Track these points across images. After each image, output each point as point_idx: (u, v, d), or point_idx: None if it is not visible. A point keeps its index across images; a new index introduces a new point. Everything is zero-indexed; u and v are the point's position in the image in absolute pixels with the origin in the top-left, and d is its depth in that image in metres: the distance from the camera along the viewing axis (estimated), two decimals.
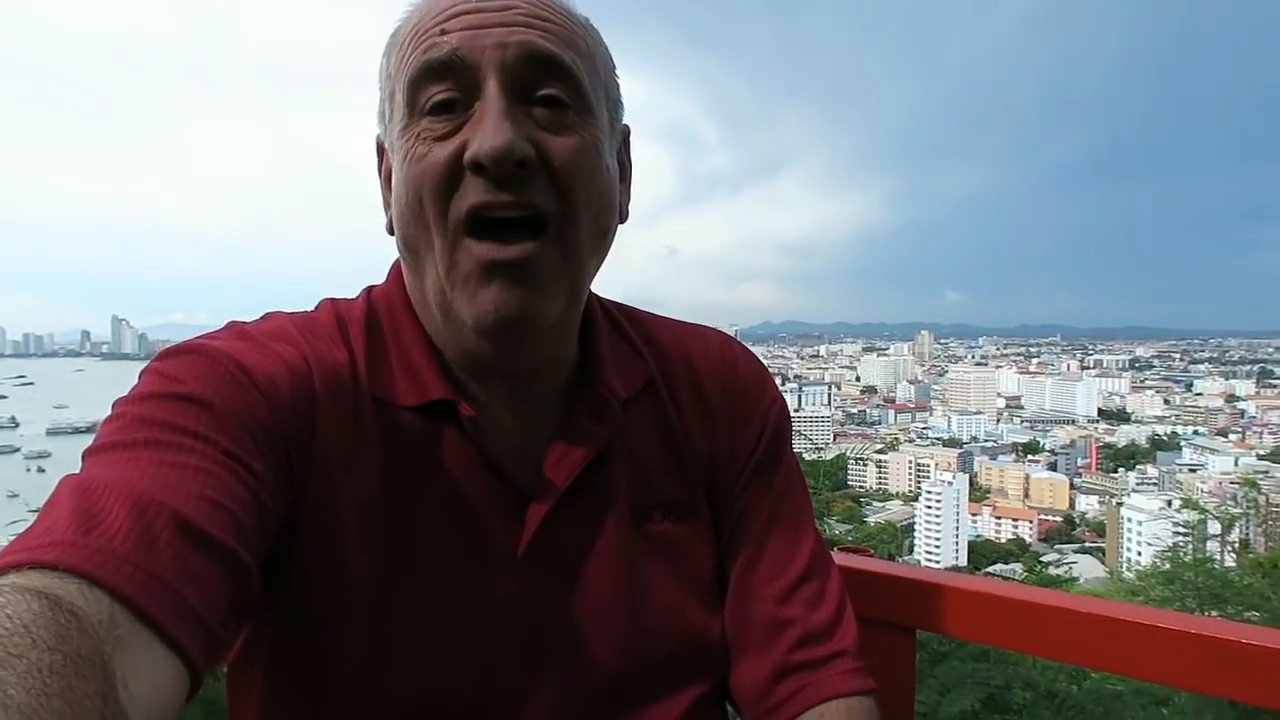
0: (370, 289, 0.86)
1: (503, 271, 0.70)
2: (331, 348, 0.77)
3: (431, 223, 0.72)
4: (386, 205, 0.81)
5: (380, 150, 0.84)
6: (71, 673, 0.42)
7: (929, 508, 77.69)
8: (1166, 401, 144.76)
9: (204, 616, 0.55)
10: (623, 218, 0.82)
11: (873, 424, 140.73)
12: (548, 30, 0.73)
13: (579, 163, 0.73)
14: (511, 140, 0.68)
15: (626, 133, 0.85)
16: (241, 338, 0.73)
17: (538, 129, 0.72)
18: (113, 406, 0.67)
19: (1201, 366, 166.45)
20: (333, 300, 0.85)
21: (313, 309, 0.83)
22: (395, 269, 0.85)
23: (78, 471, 0.61)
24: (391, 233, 0.79)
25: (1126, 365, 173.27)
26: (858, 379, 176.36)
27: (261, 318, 0.80)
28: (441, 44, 0.71)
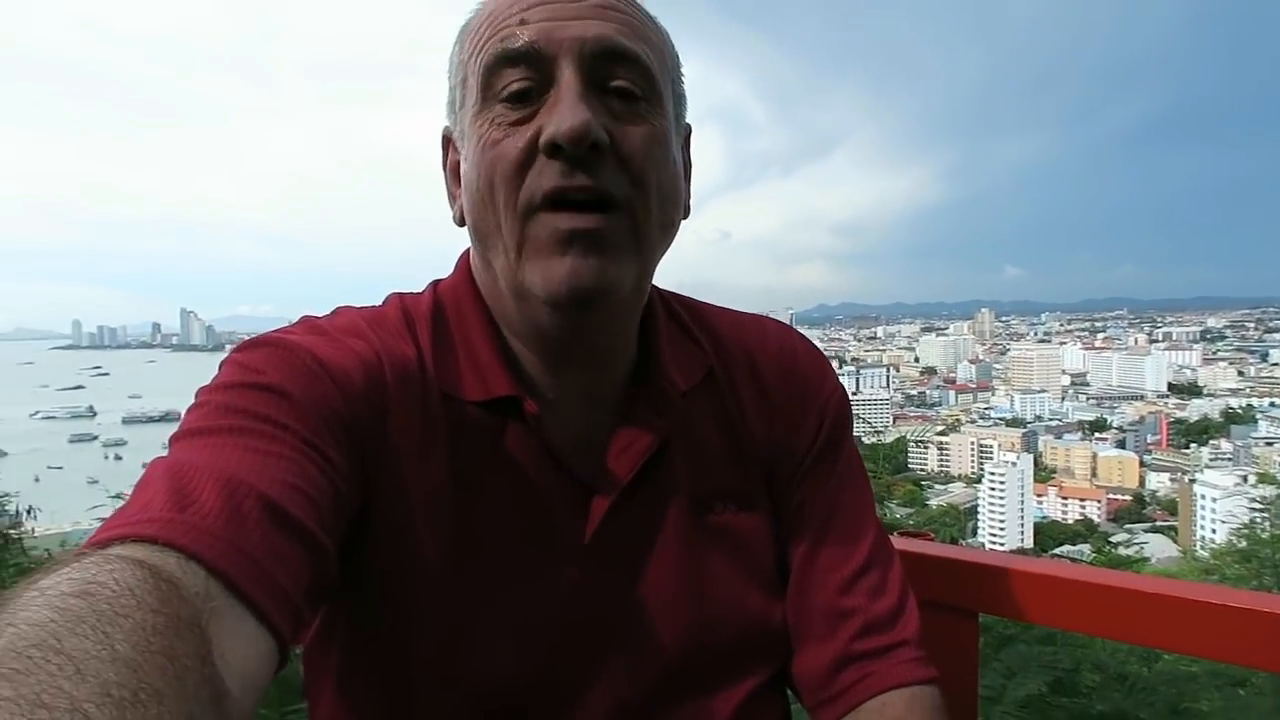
0: (436, 283, 0.87)
1: (579, 238, 0.71)
2: (400, 343, 0.78)
3: (502, 205, 0.73)
4: (452, 197, 0.83)
5: (446, 144, 0.85)
6: (173, 634, 0.44)
7: (992, 489, 76.48)
8: (1241, 373, 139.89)
9: (291, 594, 0.57)
10: (685, 213, 0.83)
11: (933, 405, 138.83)
12: (623, 23, 0.75)
13: (649, 151, 0.74)
14: (589, 121, 0.69)
15: (688, 131, 0.87)
16: (316, 332, 0.76)
17: (610, 118, 0.73)
18: (196, 395, 0.69)
19: (1278, 336, 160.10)
20: (400, 295, 0.86)
21: (381, 304, 0.85)
22: (462, 262, 0.87)
23: (165, 455, 0.63)
24: (460, 224, 0.81)
25: (1197, 337, 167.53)
26: (916, 360, 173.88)
27: (333, 313, 0.82)
28: (519, 34, 0.72)
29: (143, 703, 0.39)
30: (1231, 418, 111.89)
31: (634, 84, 0.74)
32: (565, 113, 0.70)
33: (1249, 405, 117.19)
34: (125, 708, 0.38)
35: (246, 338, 0.77)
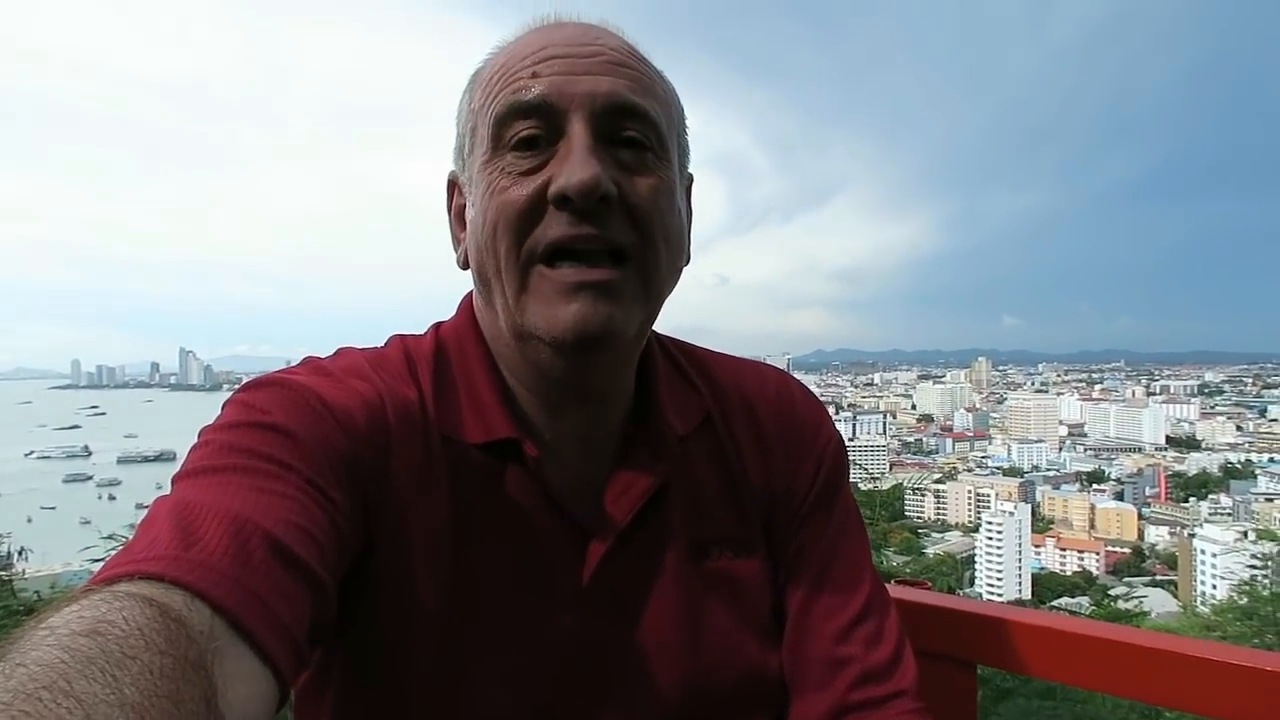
0: (438, 325, 0.87)
1: (589, 289, 0.72)
2: (402, 385, 0.79)
3: (505, 252, 0.73)
4: (456, 240, 0.84)
5: (451, 188, 0.86)
6: (180, 677, 0.44)
7: (990, 539, 75.81)
8: (1239, 428, 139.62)
9: (294, 633, 0.58)
10: (687, 259, 0.84)
11: (930, 453, 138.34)
12: (632, 79, 0.76)
13: (656, 202, 0.75)
14: (599, 174, 0.70)
15: (690, 180, 0.88)
16: (320, 373, 0.76)
17: (618, 170, 0.74)
18: (199, 434, 0.70)
19: (1276, 391, 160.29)
20: (402, 337, 0.86)
21: (383, 345, 0.85)
22: (464, 304, 0.88)
23: (169, 494, 0.64)
24: (464, 267, 0.82)
25: (1195, 391, 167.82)
26: (913, 407, 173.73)
27: (335, 354, 0.83)
28: (532, 86, 0.73)
29: None
30: (1231, 472, 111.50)
31: (642, 136, 0.76)
32: (575, 166, 0.70)
33: (1248, 460, 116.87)
34: None
35: (245, 377, 0.76)
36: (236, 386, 0.74)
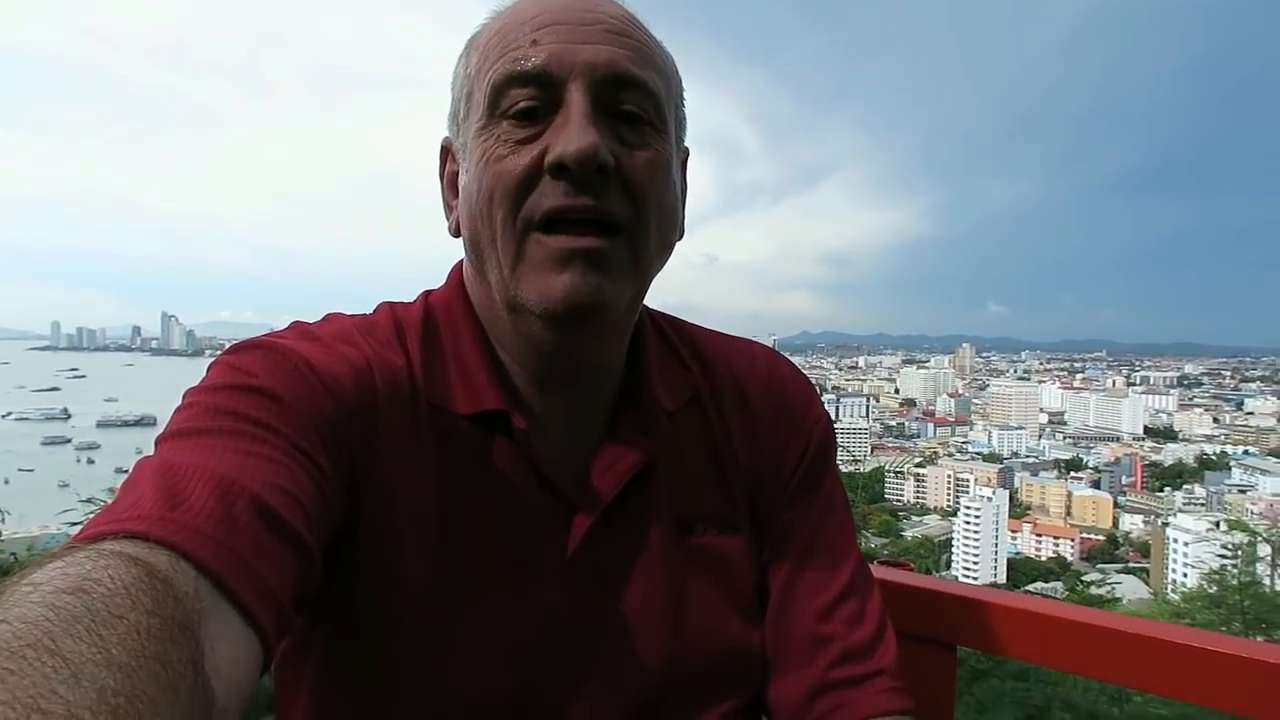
0: (428, 293, 0.87)
1: (579, 257, 0.71)
2: (390, 352, 0.78)
3: (501, 221, 0.73)
4: (448, 208, 0.83)
5: (444, 154, 0.85)
6: (167, 637, 0.43)
7: (968, 523, 76.57)
8: (1216, 420, 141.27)
9: (279, 596, 0.57)
10: (680, 234, 0.83)
11: (911, 437, 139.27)
12: (633, 49, 0.75)
13: (652, 176, 0.75)
14: (597, 143, 0.69)
15: (686, 154, 0.87)
16: (308, 337, 0.75)
17: (616, 142, 0.73)
18: (184, 396, 0.68)
19: (1253, 385, 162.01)
20: (391, 304, 0.85)
21: (372, 312, 0.84)
22: (454, 273, 0.87)
23: (152, 455, 0.63)
24: (456, 234, 0.81)
25: (1174, 382, 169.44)
26: (897, 391, 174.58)
27: (323, 319, 0.81)
28: (531, 54, 0.72)
29: (138, 711, 0.38)
30: (1206, 463, 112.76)
31: (641, 109, 0.75)
32: (574, 134, 0.70)
33: (1223, 452, 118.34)
34: (120, 715, 0.37)
35: (227, 343, 0.75)
36: (220, 351, 0.73)
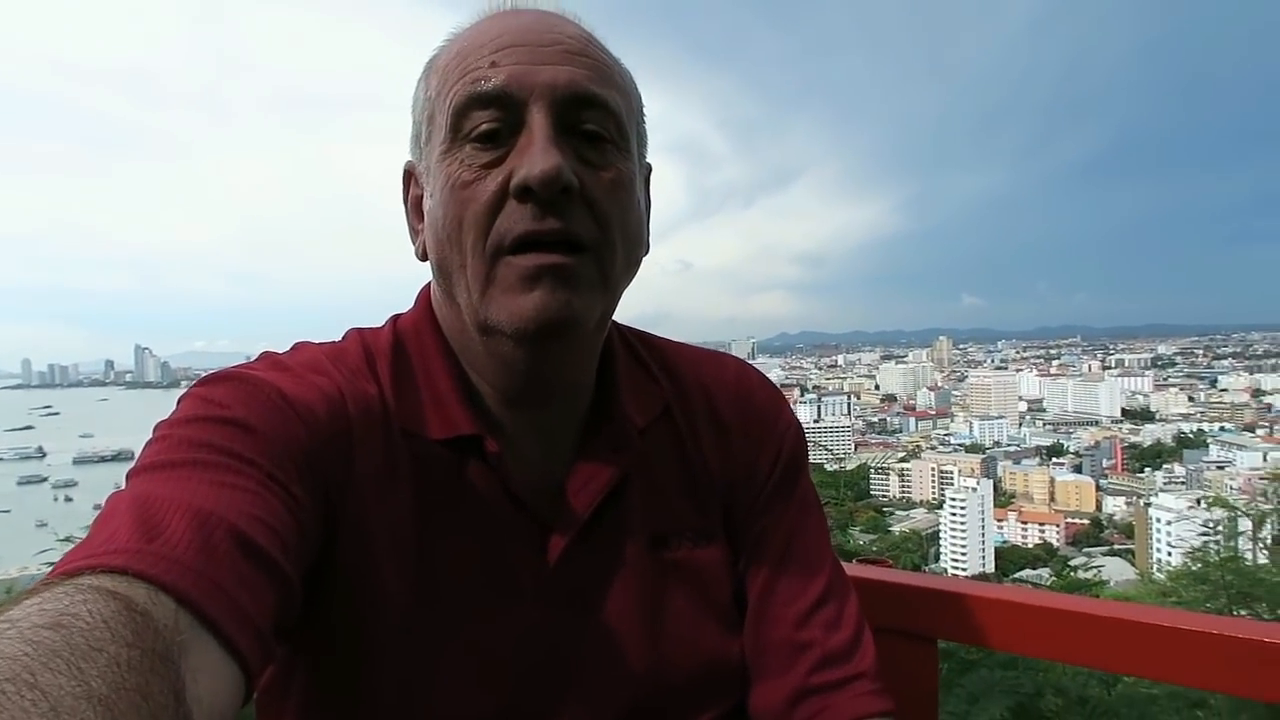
0: (396, 318, 0.86)
1: (548, 274, 0.71)
2: (361, 380, 0.78)
3: (470, 246, 0.73)
4: (413, 232, 0.83)
5: (407, 178, 0.85)
6: (148, 669, 0.43)
7: (953, 515, 77.00)
8: (1191, 399, 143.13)
9: (260, 626, 0.57)
10: (645, 249, 0.84)
11: (894, 432, 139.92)
12: (592, 69, 0.75)
13: (616, 195, 0.75)
14: (560, 165, 0.70)
15: (649, 170, 0.87)
16: (279, 368, 0.75)
17: (579, 162, 0.73)
18: (155, 429, 0.68)
19: (1225, 362, 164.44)
20: (360, 330, 0.85)
21: (340, 340, 0.84)
22: (422, 296, 0.87)
23: (124, 489, 0.62)
24: (423, 258, 0.81)
25: (1149, 364, 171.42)
26: (877, 387, 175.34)
27: (292, 348, 0.81)
28: (490, 76, 0.72)
29: None
30: (1183, 442, 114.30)
31: (602, 127, 0.75)
32: (537, 157, 0.70)
33: (1200, 430, 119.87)
34: None
35: (203, 373, 0.75)
36: (185, 389, 0.73)
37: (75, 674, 0.40)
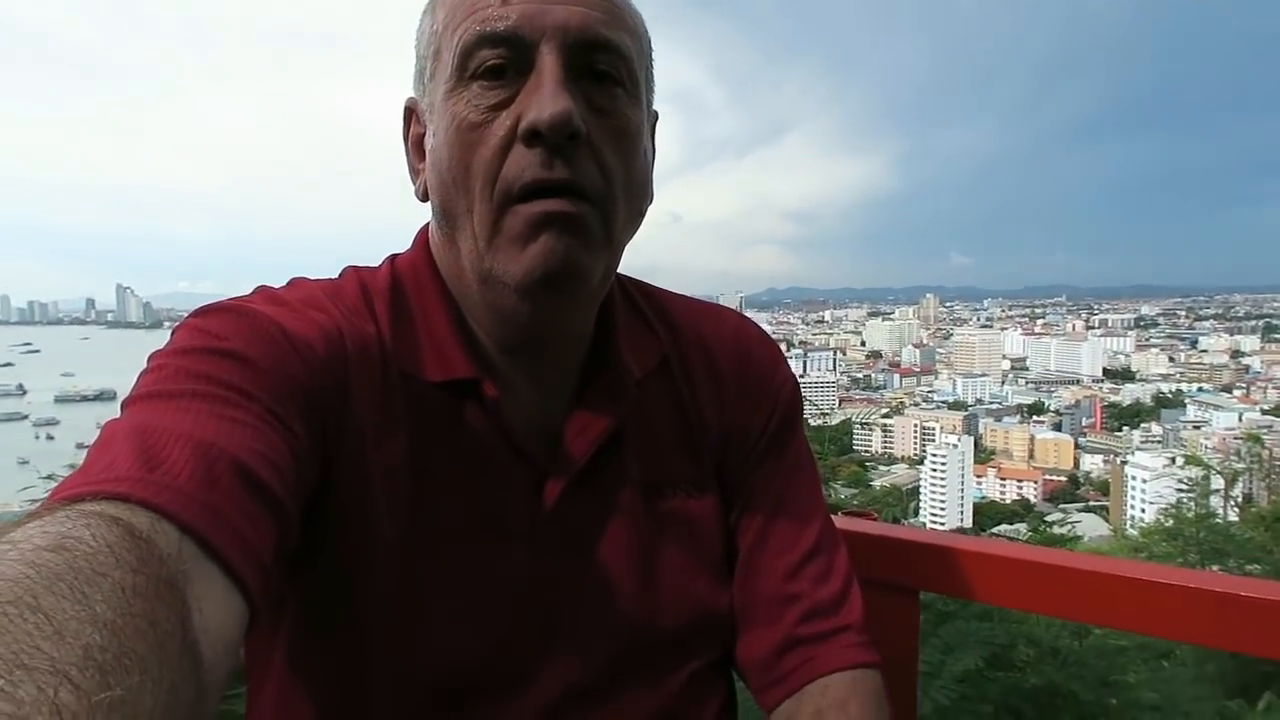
0: (394, 257, 0.86)
1: (553, 221, 0.70)
2: (359, 319, 0.77)
3: (478, 191, 0.71)
4: (413, 171, 0.82)
5: (408, 114, 0.83)
6: (153, 596, 0.43)
7: (934, 470, 78.04)
8: (1171, 359, 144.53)
9: (263, 557, 0.56)
10: (649, 199, 0.82)
11: (878, 389, 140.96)
12: (605, 10, 0.74)
13: (623, 144, 0.75)
14: (570, 109, 0.68)
15: (656, 117, 0.86)
16: (277, 302, 0.74)
17: (587, 108, 0.72)
18: (150, 359, 0.67)
19: (1206, 323, 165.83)
20: (356, 269, 0.84)
21: (337, 277, 0.83)
22: (420, 237, 0.86)
23: (120, 417, 0.61)
24: (424, 199, 0.80)
25: (1131, 324, 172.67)
26: (863, 344, 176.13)
27: (289, 284, 0.80)
28: (501, 14, 0.71)
29: (126, 669, 0.37)
30: (1162, 402, 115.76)
31: (613, 71, 0.74)
32: (547, 100, 0.68)
33: (1179, 390, 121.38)
34: (109, 673, 0.36)
35: (185, 314, 0.74)
36: (178, 322, 0.71)
37: (79, 597, 0.39)
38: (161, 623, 0.42)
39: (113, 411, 0.63)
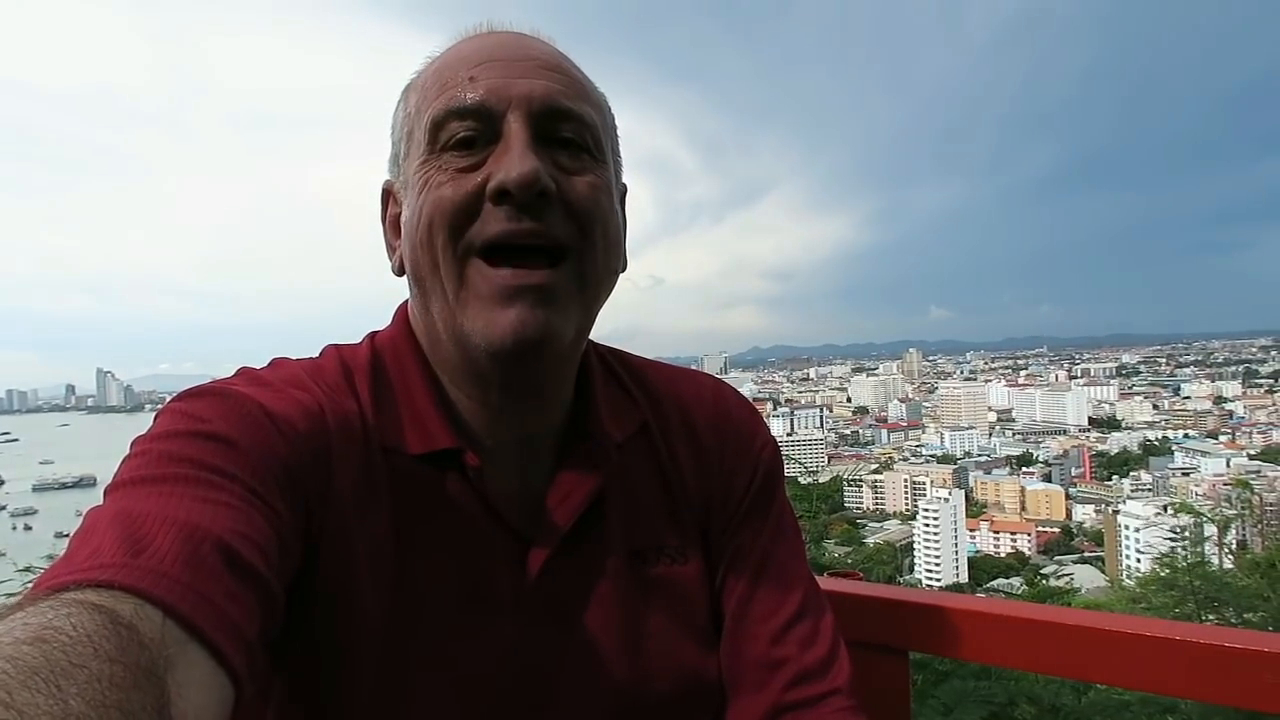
0: (374, 334, 0.87)
1: (526, 294, 0.72)
2: (341, 396, 0.78)
3: (441, 248, 0.73)
4: (391, 249, 0.84)
5: (386, 196, 0.85)
6: (130, 685, 0.42)
7: (927, 525, 77.53)
8: (1155, 407, 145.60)
9: (249, 638, 0.57)
10: (623, 265, 0.84)
11: (866, 444, 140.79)
12: (567, 85, 0.78)
13: (596, 199, 0.76)
14: (538, 168, 0.71)
15: (625, 190, 0.88)
16: (258, 383, 0.75)
17: (556, 169, 0.75)
18: (133, 445, 0.67)
19: (1188, 370, 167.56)
20: (337, 347, 0.85)
21: (318, 356, 0.84)
22: (399, 313, 0.87)
23: (103, 505, 0.61)
24: (399, 273, 0.82)
25: (1114, 372, 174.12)
26: (849, 400, 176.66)
27: (270, 364, 0.82)
28: (469, 90, 0.74)
29: None
30: (1150, 449, 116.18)
31: (579, 137, 0.77)
32: (514, 160, 0.71)
33: (1164, 437, 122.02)
34: None
35: (168, 396, 0.73)
36: (160, 405, 0.70)
37: (53, 692, 0.39)
38: (136, 713, 0.41)
39: (92, 498, 0.61)
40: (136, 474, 0.63)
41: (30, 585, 0.52)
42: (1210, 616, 3.41)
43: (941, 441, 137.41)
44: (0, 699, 0.37)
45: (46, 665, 0.40)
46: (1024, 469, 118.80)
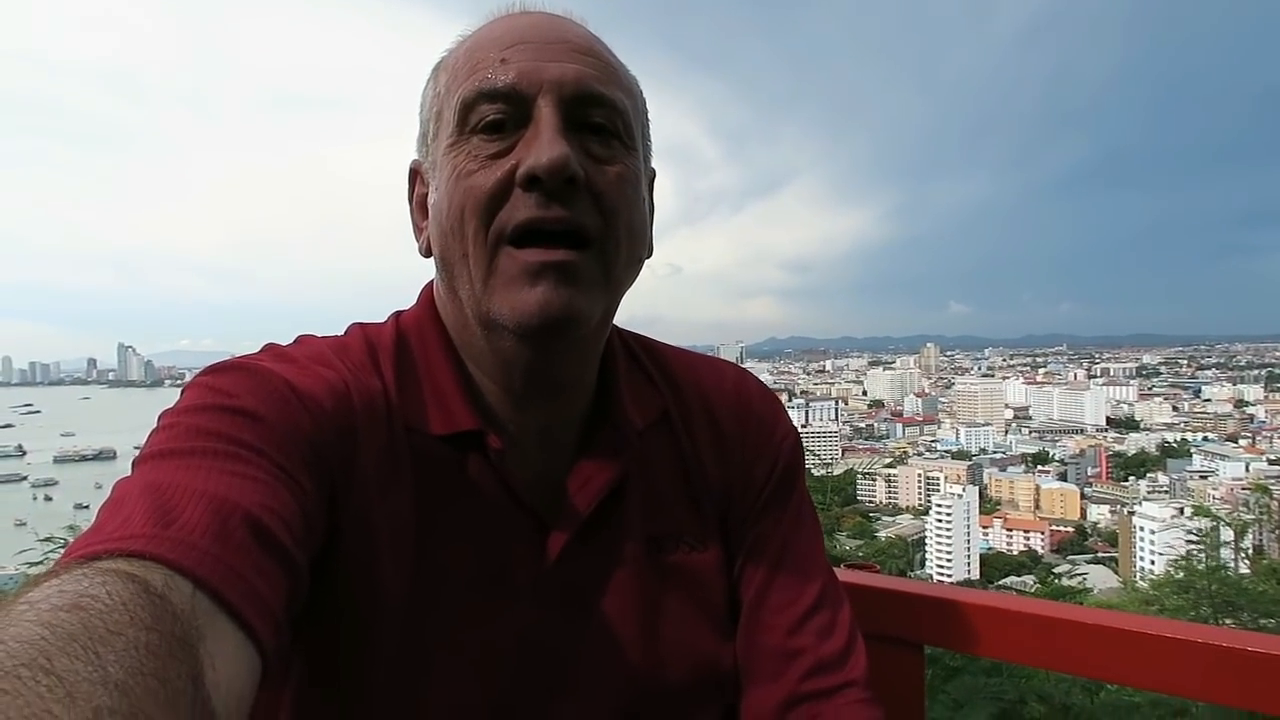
0: (399, 314, 0.87)
1: (551, 271, 0.72)
2: (365, 374, 0.78)
3: (472, 235, 0.73)
4: (417, 229, 0.84)
5: (413, 176, 0.86)
6: (166, 653, 0.43)
7: (939, 521, 77.20)
8: (1175, 408, 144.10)
9: (276, 611, 0.57)
10: (649, 251, 0.84)
11: (881, 438, 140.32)
12: (600, 69, 0.77)
13: (622, 189, 0.76)
14: (567, 154, 0.71)
15: (653, 175, 0.88)
16: (285, 359, 0.75)
17: (585, 157, 0.74)
18: (160, 418, 0.68)
19: (1209, 372, 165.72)
20: (362, 325, 0.86)
21: (343, 334, 0.85)
22: (425, 293, 0.87)
23: (131, 476, 0.62)
24: (426, 254, 0.82)
25: (1134, 373, 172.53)
26: (864, 393, 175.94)
27: (296, 341, 0.82)
28: (500, 72, 0.74)
29: None
30: (1168, 451, 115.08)
31: (610, 123, 0.76)
32: (544, 146, 0.71)
33: (1183, 439, 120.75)
34: None
35: (188, 373, 1.01)
36: (180, 381, 0.88)
37: (92, 658, 0.40)
38: (173, 681, 0.42)
39: (111, 470, 0.98)
40: (165, 447, 0.63)
41: (55, 556, 0.52)
42: (1226, 620, 3.39)
43: (957, 437, 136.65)
44: (40, 664, 0.38)
45: (85, 632, 0.41)
46: (1040, 467, 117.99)
